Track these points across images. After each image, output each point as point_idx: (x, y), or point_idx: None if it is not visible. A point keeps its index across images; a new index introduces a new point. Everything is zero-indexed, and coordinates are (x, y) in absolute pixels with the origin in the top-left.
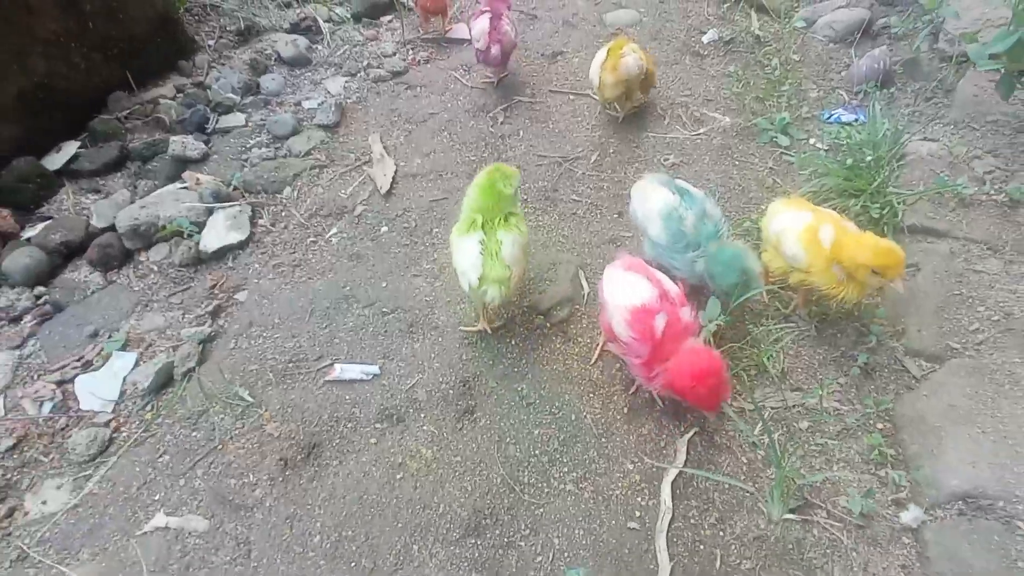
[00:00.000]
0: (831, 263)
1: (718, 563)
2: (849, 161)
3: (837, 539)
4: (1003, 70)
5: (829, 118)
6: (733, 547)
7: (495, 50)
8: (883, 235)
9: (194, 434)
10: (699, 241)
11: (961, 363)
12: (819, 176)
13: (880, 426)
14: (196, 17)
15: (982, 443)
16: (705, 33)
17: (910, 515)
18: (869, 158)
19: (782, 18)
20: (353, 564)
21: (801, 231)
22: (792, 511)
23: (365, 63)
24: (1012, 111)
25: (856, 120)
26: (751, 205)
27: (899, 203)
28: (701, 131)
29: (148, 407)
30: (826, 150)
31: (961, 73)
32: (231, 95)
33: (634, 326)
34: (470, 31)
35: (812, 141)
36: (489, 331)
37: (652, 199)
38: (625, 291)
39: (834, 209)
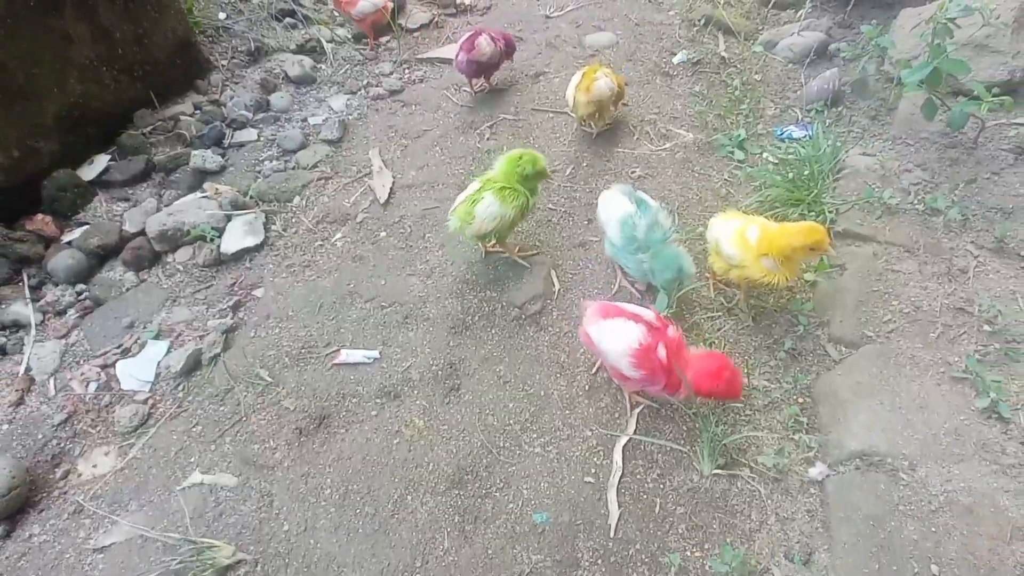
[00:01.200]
0: (759, 256)
1: (657, 509)
2: (791, 174)
3: (756, 490)
4: (927, 94)
5: (782, 134)
6: (670, 496)
7: (460, 56)
8: None
9: (221, 408)
10: (648, 246)
11: (873, 348)
12: (766, 188)
13: (800, 400)
14: (210, 39)
15: (879, 412)
16: (675, 55)
17: (816, 470)
18: (807, 172)
19: (747, 40)
20: (358, 511)
21: (733, 234)
22: (720, 467)
23: (365, 82)
24: (941, 128)
25: (806, 136)
26: (707, 213)
27: (831, 212)
28: (666, 146)
29: (180, 387)
30: (775, 164)
31: (901, 93)
32: (244, 112)
33: (642, 365)
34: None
35: (765, 155)
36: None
37: (613, 206)
38: (617, 339)
39: (776, 217)
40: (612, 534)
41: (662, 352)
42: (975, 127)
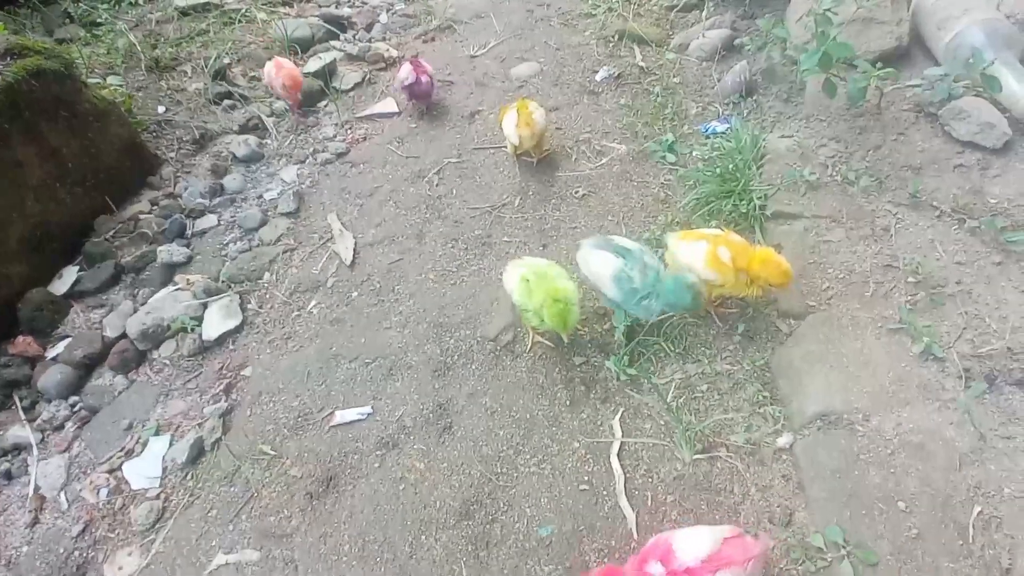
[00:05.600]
0: (737, 274)
1: (649, 502)
2: (718, 169)
3: (735, 466)
4: (825, 76)
5: (706, 131)
6: (660, 488)
7: (424, 79)
8: (752, 225)
9: (232, 489)
10: (647, 290)
11: (816, 317)
12: (699, 185)
13: (760, 377)
14: (154, 134)
15: (830, 375)
16: (597, 72)
17: (784, 439)
18: (732, 165)
19: (660, 47)
20: (378, 559)
21: (705, 258)
22: (699, 452)
23: (311, 149)
24: (847, 102)
25: (728, 129)
26: (650, 219)
27: (759, 198)
28: (603, 161)
29: (189, 476)
30: (704, 161)
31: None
32: (200, 200)
33: None
34: (398, 79)
35: (695, 154)
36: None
37: (599, 265)
38: None
39: (712, 211)
40: (635, 535)
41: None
42: (877, 95)
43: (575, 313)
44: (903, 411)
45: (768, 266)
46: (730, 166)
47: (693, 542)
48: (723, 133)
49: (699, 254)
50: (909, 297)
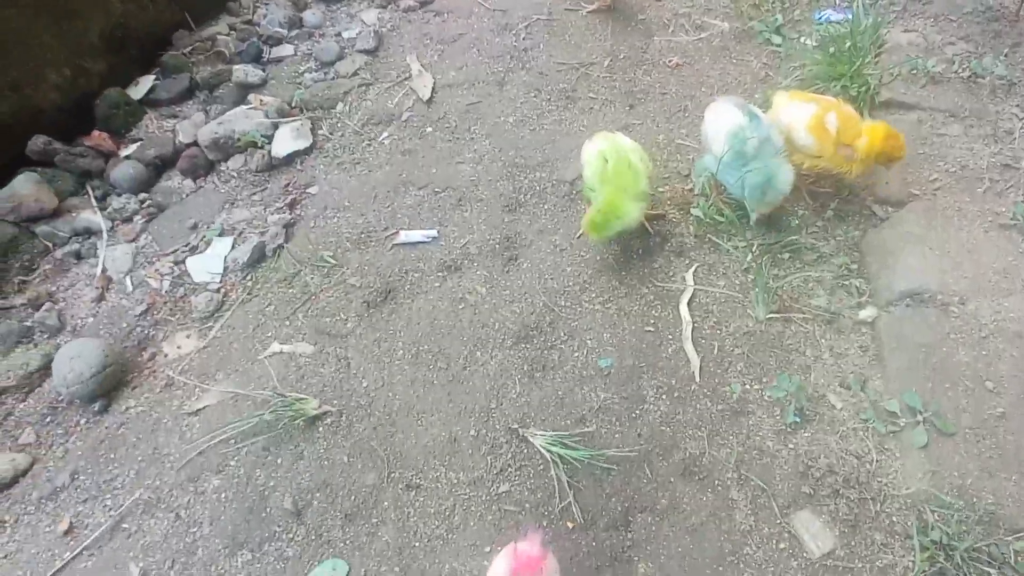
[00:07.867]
0: (837, 147)
1: (715, 351)
2: (831, 50)
3: (809, 331)
4: None
5: (820, 19)
6: (728, 340)
7: None
8: (860, 110)
9: (290, 291)
10: (753, 162)
11: (919, 204)
12: (807, 67)
13: (849, 253)
14: None
15: (928, 256)
16: None
17: (867, 312)
18: (848, 44)
19: None
20: (431, 367)
21: (809, 121)
22: (774, 312)
23: None
24: (983, 2)
25: (844, 18)
26: (746, 94)
27: (873, 81)
28: (702, 35)
29: (248, 277)
30: (815, 45)
31: None
32: (279, 29)
33: None
34: None
35: (803, 40)
36: None
37: (723, 119)
38: None
39: (816, 92)
40: (697, 379)
41: None
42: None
43: (612, 229)
44: (1005, 300)
45: (888, 138)
46: (846, 44)
47: None
48: (838, 22)
49: (804, 116)
50: None
